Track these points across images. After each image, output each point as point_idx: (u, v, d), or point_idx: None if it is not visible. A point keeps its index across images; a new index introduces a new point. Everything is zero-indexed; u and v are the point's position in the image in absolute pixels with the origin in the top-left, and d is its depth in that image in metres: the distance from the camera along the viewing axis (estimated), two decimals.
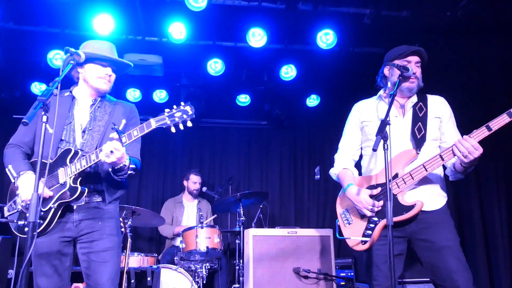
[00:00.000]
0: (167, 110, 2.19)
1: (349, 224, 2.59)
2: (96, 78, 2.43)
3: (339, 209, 2.70)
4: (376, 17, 4.39)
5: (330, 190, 6.46)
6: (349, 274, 4.88)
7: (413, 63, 2.55)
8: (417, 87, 2.57)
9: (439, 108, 2.58)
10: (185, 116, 2.16)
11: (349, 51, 5.11)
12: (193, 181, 5.49)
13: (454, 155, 2.29)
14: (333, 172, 2.81)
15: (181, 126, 2.17)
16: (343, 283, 4.64)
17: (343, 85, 5.92)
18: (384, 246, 2.37)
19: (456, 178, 2.52)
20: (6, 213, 2.37)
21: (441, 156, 2.34)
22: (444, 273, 2.32)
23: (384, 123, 2.17)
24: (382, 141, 2.15)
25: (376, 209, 2.44)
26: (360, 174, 2.76)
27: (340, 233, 2.62)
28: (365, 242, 2.44)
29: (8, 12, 4.40)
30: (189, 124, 2.17)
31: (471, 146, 2.22)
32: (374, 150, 2.11)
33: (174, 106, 2.20)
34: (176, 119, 2.16)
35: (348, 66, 5.39)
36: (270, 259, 4.20)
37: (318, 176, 6.04)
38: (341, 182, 2.72)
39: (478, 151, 2.22)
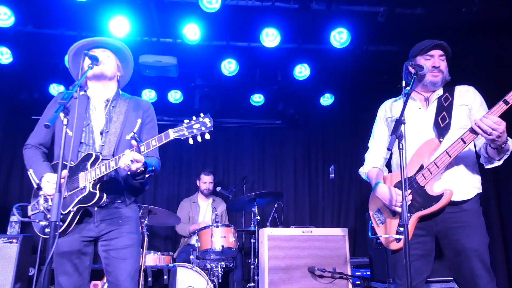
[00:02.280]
0: (186, 121, 2.20)
1: (382, 223, 2.58)
2: (87, 66, 2.36)
3: (372, 209, 2.68)
4: (390, 15, 4.37)
5: (344, 189, 6.45)
6: (365, 273, 4.86)
7: (436, 57, 2.53)
8: (442, 81, 2.54)
9: (466, 96, 2.52)
10: (203, 128, 2.17)
11: (363, 49, 5.08)
12: (204, 181, 5.53)
13: (476, 134, 2.23)
14: (362, 171, 2.80)
15: (199, 138, 2.18)
16: (359, 282, 4.63)
17: (357, 83, 5.89)
18: (412, 246, 2.35)
19: (491, 164, 2.42)
20: (29, 212, 2.43)
21: (462, 139, 2.28)
22: (467, 275, 2.30)
23: (399, 122, 2.16)
24: (397, 140, 2.14)
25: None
26: (391, 171, 2.73)
27: (374, 233, 2.60)
28: (399, 240, 2.42)
29: (27, 16, 4.50)
30: (207, 136, 2.18)
31: (493, 123, 2.14)
32: (389, 149, 2.11)
33: (194, 118, 2.20)
34: (194, 131, 2.17)
35: (362, 64, 5.36)
36: (285, 258, 4.21)
37: (333, 175, 6.02)
38: (370, 181, 2.70)
39: (501, 125, 2.15)
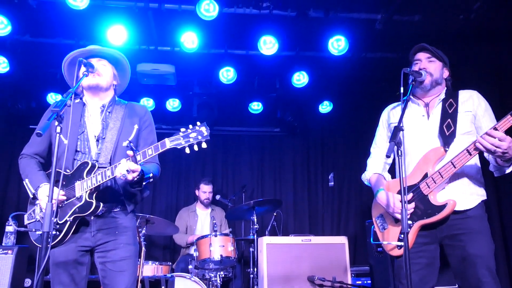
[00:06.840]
0: (182, 129, 2.19)
1: (385, 229, 2.56)
2: (82, 73, 2.33)
3: (374, 215, 2.66)
4: (388, 22, 4.37)
5: (344, 196, 6.41)
6: (365, 282, 4.81)
7: (423, 60, 2.54)
8: (431, 83, 2.53)
9: (470, 102, 2.49)
10: (200, 137, 2.17)
11: (361, 56, 5.08)
12: (203, 191, 5.49)
13: (480, 151, 2.20)
14: (364, 177, 2.79)
15: (195, 147, 2.17)
16: None
17: (356, 91, 5.89)
18: (416, 254, 2.33)
19: (502, 172, 2.37)
20: (26, 221, 2.41)
21: (468, 151, 2.25)
22: (473, 282, 2.27)
23: (397, 129, 2.14)
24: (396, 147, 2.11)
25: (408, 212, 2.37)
26: (394, 177, 2.70)
27: (376, 239, 2.58)
28: (401, 247, 2.39)
29: (25, 24, 4.49)
30: (204, 145, 2.17)
31: (496, 140, 2.11)
32: (387, 156, 2.09)
33: (190, 126, 2.20)
34: (191, 140, 2.16)
35: (360, 71, 5.36)
36: (284, 267, 4.16)
37: (332, 183, 5.99)
38: (372, 187, 2.69)
39: (504, 142, 2.10)
